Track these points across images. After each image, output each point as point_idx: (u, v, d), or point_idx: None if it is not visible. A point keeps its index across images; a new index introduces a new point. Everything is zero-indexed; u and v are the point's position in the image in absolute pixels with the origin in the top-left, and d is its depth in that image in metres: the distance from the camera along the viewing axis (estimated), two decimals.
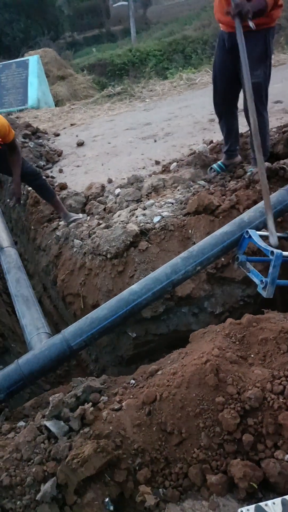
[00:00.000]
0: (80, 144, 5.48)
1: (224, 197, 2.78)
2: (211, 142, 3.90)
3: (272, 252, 1.95)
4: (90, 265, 2.73)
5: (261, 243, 2.05)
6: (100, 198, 3.45)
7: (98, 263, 2.68)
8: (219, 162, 3.33)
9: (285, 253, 1.98)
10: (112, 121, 6.50)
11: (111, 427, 1.53)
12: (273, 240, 2.08)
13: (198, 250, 2.17)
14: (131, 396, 1.65)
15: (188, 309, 2.72)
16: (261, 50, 2.52)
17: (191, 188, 3.04)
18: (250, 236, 2.10)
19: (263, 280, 1.99)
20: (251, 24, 2.17)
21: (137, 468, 1.47)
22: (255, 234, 2.08)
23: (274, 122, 4.38)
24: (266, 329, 1.68)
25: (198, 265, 2.15)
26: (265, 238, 2.17)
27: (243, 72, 2.16)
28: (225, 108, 2.98)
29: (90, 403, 1.64)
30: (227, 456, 1.42)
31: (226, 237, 2.18)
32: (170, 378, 1.60)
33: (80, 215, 3.30)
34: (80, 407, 1.59)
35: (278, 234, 2.25)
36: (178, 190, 3.08)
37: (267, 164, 3.06)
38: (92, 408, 1.59)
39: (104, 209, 3.28)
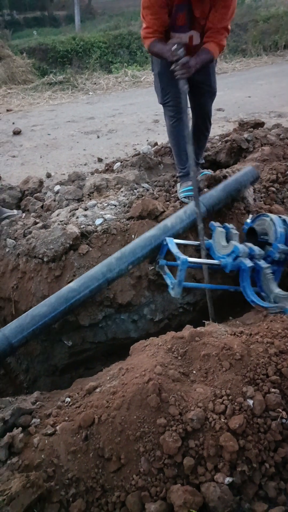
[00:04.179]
0: (17, 133, 5.13)
1: (168, 202, 2.74)
2: (156, 144, 3.85)
3: (179, 258, 2.15)
4: (24, 267, 2.52)
5: (174, 250, 2.24)
6: (38, 194, 3.22)
7: (33, 266, 2.48)
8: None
9: (191, 259, 2.19)
10: (53, 111, 6.19)
11: (43, 456, 1.40)
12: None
13: (129, 251, 2.32)
14: (67, 418, 1.52)
15: (128, 316, 2.64)
16: (214, 61, 2.56)
17: (135, 190, 2.96)
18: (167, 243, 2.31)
19: (172, 282, 2.22)
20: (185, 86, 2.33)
21: (70, 499, 1.35)
22: (171, 242, 2.30)
23: (216, 129, 4.49)
24: (209, 345, 1.65)
25: (130, 264, 2.31)
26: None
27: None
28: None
29: (20, 428, 1.48)
30: (166, 481, 1.36)
31: (152, 239, 2.37)
32: (109, 399, 1.51)
33: (15, 212, 3.05)
34: (8, 434, 1.43)
35: (193, 242, 2.45)
36: (121, 191, 2.97)
37: (210, 171, 3.09)
38: (21, 435, 1.44)
39: (42, 207, 3.06)
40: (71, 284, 2.19)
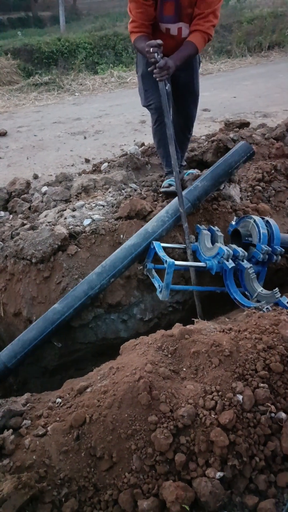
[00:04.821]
0: (3, 134, 5.09)
1: (156, 202, 2.75)
2: (143, 144, 3.87)
3: (166, 261, 2.17)
4: (12, 269, 2.50)
5: (161, 254, 2.27)
6: (25, 195, 3.21)
7: (22, 267, 2.47)
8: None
9: (178, 262, 2.22)
10: (39, 112, 6.16)
11: (34, 457, 1.39)
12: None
13: (110, 264, 2.33)
14: (58, 419, 1.52)
15: (117, 316, 2.64)
16: (198, 61, 2.57)
17: (122, 191, 2.96)
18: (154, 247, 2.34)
19: (160, 285, 2.24)
20: (166, 87, 2.27)
21: (63, 499, 1.35)
22: (158, 246, 2.33)
23: (203, 129, 4.52)
24: (198, 342, 1.67)
25: (112, 278, 2.32)
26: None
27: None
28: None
29: (11, 430, 1.47)
30: (158, 478, 1.37)
31: (133, 248, 2.36)
32: (100, 398, 1.51)
33: (2, 213, 3.03)
34: None
35: (179, 245, 2.48)
36: (109, 192, 2.97)
37: (196, 171, 3.12)
38: (12, 436, 1.43)
39: (29, 208, 3.04)
40: (55, 306, 2.27)
